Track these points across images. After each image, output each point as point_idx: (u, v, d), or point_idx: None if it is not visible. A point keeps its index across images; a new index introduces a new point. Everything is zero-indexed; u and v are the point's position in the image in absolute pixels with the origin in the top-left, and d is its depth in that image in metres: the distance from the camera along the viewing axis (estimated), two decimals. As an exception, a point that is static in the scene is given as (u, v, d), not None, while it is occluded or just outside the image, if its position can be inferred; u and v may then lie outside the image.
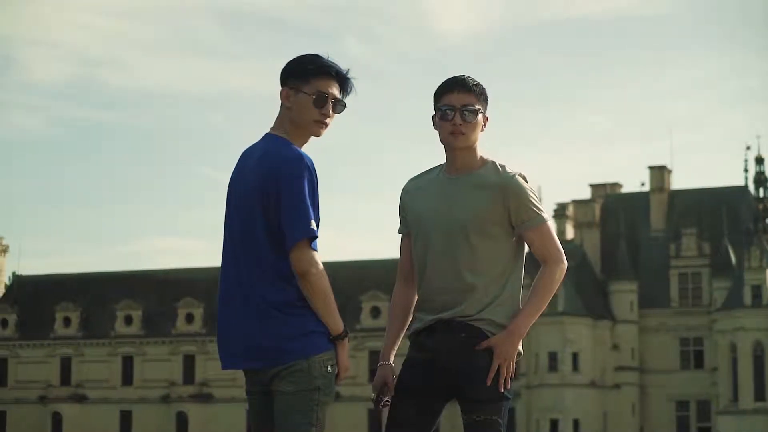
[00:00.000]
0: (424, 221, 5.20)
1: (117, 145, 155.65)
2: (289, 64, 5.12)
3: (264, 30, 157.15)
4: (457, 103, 5.13)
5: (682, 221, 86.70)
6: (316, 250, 4.91)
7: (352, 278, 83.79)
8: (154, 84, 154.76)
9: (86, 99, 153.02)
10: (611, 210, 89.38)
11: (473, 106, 5.14)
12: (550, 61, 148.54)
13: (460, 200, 5.14)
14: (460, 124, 5.12)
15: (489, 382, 5.04)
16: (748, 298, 79.78)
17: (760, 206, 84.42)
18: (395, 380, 5.23)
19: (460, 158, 5.19)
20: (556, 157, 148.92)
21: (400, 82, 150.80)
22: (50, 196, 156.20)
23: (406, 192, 5.34)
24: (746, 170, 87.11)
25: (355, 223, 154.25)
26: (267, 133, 5.12)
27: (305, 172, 4.90)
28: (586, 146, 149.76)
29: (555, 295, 72.53)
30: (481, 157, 5.21)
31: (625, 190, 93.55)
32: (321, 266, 4.92)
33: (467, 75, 5.21)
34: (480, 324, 5.11)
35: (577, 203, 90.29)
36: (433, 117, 5.21)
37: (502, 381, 5.06)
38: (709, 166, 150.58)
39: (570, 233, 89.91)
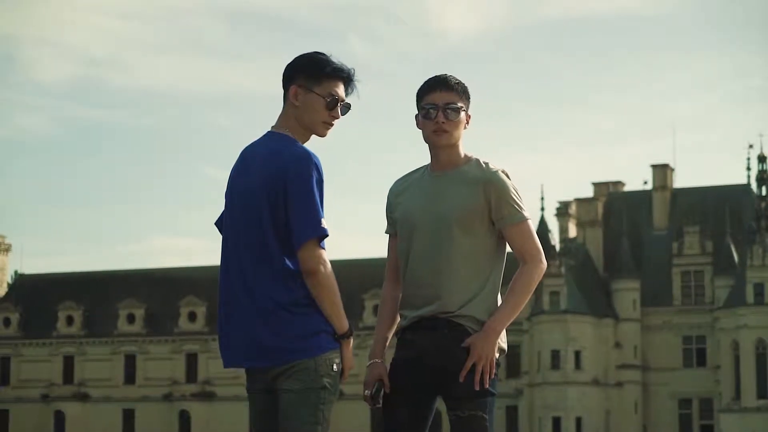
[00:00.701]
0: (408, 219, 5.23)
1: (119, 145, 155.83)
2: (299, 61, 5.10)
3: (265, 29, 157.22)
4: (440, 101, 5.17)
5: (685, 219, 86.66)
6: (324, 249, 4.92)
7: (354, 277, 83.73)
8: (156, 84, 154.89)
9: (88, 99, 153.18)
10: (614, 208, 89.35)
11: (456, 104, 5.18)
12: (552, 61, 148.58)
13: (444, 196, 5.18)
14: (443, 122, 5.16)
15: (462, 379, 5.06)
16: (750, 296, 79.76)
17: (763, 204, 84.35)
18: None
19: (444, 156, 5.23)
20: (559, 155, 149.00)
21: (403, 82, 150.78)
22: (52, 195, 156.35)
23: (392, 192, 5.38)
24: (749, 169, 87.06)
25: (357, 222, 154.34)
26: (270, 131, 5.11)
27: (313, 170, 4.89)
28: (589, 145, 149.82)
29: (557, 294, 71.66)
30: (465, 155, 5.25)
31: (627, 188, 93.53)
32: (329, 265, 4.92)
33: (449, 74, 5.25)
34: (463, 321, 5.13)
35: (579, 202, 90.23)
36: (416, 116, 5.26)
37: (477, 378, 5.05)
38: (711, 164, 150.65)
39: (573, 232, 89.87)
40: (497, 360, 5.12)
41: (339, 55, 5.12)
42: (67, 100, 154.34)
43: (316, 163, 4.91)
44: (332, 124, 5.09)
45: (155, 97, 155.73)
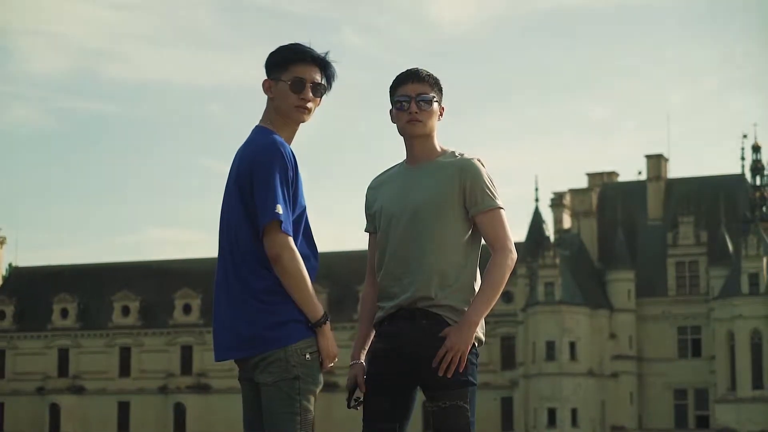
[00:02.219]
0: (385, 212, 5.27)
1: (114, 136, 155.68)
2: (269, 55, 5.17)
3: (262, 20, 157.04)
4: (412, 92, 5.24)
5: (680, 210, 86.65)
6: (289, 234, 4.89)
7: (350, 268, 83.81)
8: (153, 75, 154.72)
9: (84, 90, 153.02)
10: (608, 199, 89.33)
11: (428, 94, 5.24)
12: (548, 51, 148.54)
13: (419, 187, 5.21)
14: (416, 112, 5.21)
15: (434, 365, 5.06)
16: (745, 286, 79.74)
17: (757, 194, 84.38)
18: (365, 375, 5.25)
19: (418, 147, 5.27)
20: (554, 146, 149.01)
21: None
22: (48, 188, 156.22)
23: (369, 189, 5.44)
24: (743, 158, 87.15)
25: (354, 213, 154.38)
26: (255, 125, 5.17)
27: (277, 158, 4.92)
28: (584, 135, 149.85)
29: (552, 284, 71.32)
30: (441, 148, 5.30)
31: (622, 178, 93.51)
32: (295, 250, 4.89)
33: (420, 67, 5.31)
34: (440, 311, 5.13)
35: (574, 192, 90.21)
36: (390, 111, 5.30)
37: (443, 368, 5.04)
38: (706, 154, 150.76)
39: (567, 222, 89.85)
40: (475, 350, 5.12)
41: (336, 47, 5.13)
42: (62, 91, 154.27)
43: (281, 152, 4.93)
44: (307, 107, 5.09)
45: (150, 89, 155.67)
